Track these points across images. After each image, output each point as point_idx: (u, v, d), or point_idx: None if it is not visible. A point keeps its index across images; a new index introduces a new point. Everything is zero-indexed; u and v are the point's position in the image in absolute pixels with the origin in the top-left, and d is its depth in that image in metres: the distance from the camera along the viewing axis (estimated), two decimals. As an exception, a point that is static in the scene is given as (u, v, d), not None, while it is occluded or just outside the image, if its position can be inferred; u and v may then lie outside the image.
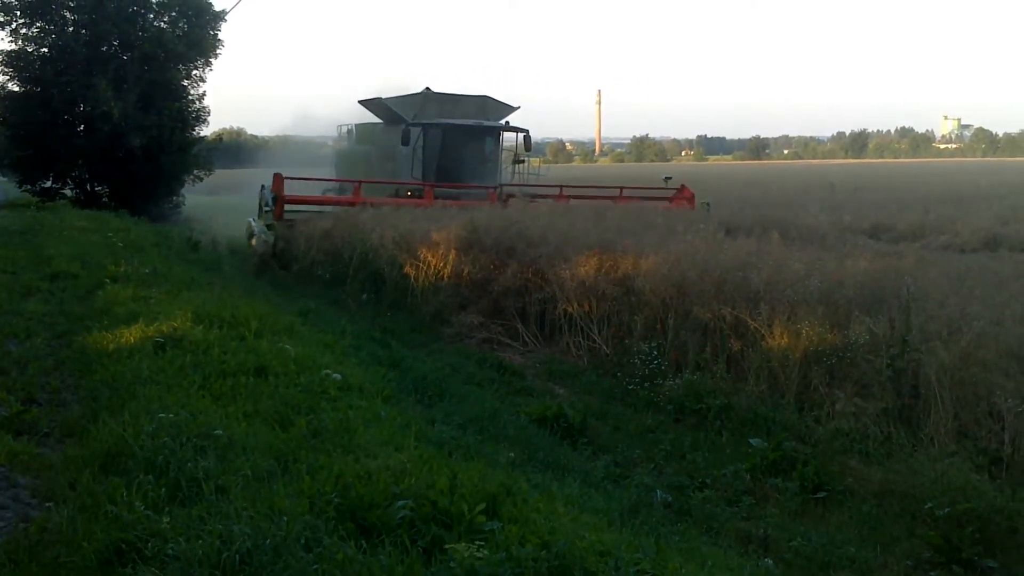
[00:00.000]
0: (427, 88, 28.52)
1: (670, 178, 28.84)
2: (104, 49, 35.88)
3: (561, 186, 25.33)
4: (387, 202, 21.37)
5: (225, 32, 37.19)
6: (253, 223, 23.44)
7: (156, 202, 36.53)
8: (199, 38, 37.02)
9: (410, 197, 23.58)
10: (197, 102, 38.48)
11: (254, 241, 22.31)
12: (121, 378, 7.67)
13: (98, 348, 8.98)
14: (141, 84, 34.93)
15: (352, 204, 21.35)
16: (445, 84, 29.44)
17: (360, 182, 23.67)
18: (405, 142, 25.68)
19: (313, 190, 26.52)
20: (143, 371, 7.69)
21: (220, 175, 44.18)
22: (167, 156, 35.84)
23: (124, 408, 6.63)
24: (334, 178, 30.04)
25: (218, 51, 38.28)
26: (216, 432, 5.94)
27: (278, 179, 22.25)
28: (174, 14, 36.95)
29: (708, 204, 24.98)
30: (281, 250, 20.97)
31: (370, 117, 31.53)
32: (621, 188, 25.63)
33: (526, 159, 28.31)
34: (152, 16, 37.07)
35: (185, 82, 37.91)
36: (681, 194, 25.56)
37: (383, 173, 27.90)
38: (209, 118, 39.70)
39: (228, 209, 35.99)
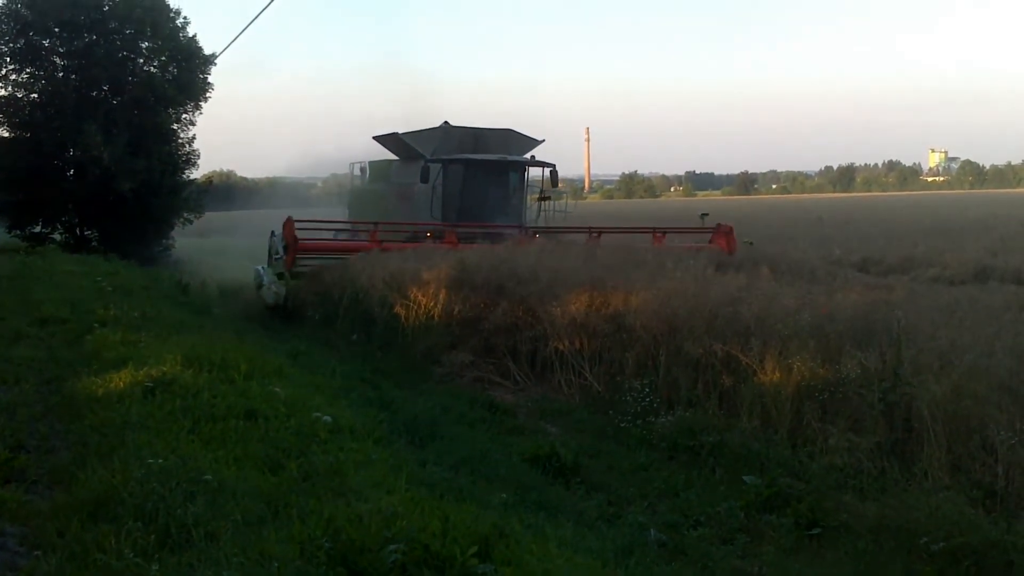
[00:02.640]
0: (445, 122, 27.11)
1: (707, 214, 26.95)
2: (94, 94, 36.12)
3: (595, 228, 23.72)
4: (405, 246, 20.11)
5: (215, 75, 37.38)
6: (262, 272, 22.09)
7: (146, 245, 36.53)
8: (189, 82, 37.23)
9: (429, 238, 22.00)
10: (187, 145, 38.81)
11: (263, 292, 21.06)
12: (110, 423, 7.61)
13: (87, 393, 8.91)
14: (131, 128, 35.07)
15: (369, 250, 19.56)
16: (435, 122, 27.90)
17: (377, 224, 21.94)
18: (424, 179, 24.06)
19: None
20: (132, 416, 7.64)
21: (210, 217, 44.28)
22: (157, 200, 35.94)
23: (113, 454, 6.58)
24: (346, 219, 28.16)
25: (208, 94, 38.55)
26: (206, 477, 5.90)
27: (289, 224, 20.38)
28: (164, 59, 37.23)
29: (751, 243, 23.36)
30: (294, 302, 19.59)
31: (384, 154, 29.91)
32: (655, 229, 24.05)
33: (552, 196, 26.57)
34: (142, 61, 37.35)
35: (175, 126, 38.16)
36: (719, 233, 23.69)
37: (400, 213, 26.00)
38: (199, 161, 39.94)
39: (218, 252, 36.02)
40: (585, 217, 29.34)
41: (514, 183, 26.07)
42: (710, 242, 23.32)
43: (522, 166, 26.09)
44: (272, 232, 21.85)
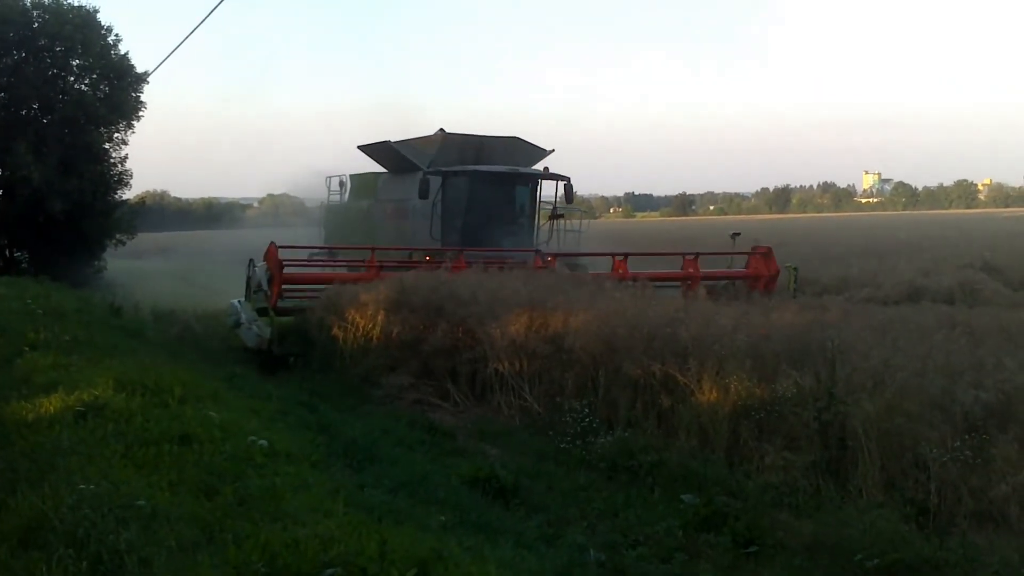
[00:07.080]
0: (441, 129, 23.70)
1: (738, 234, 22.83)
2: (23, 113, 35.51)
3: (617, 254, 19.64)
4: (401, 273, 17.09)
5: (147, 93, 36.88)
6: (239, 307, 18.85)
7: (78, 267, 35.78)
8: (121, 100, 36.73)
9: (430, 262, 19.03)
10: (119, 165, 38.25)
11: (241, 332, 18.20)
12: (41, 449, 7.45)
13: (16, 419, 8.71)
14: (62, 148, 34.50)
15: (369, 279, 17.05)
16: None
17: (375, 249, 18.98)
18: (424, 194, 21.24)
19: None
20: (63, 441, 7.48)
21: (143, 239, 43.66)
22: (89, 220, 35.39)
23: (44, 480, 6.43)
24: (322, 243, 25.09)
25: (140, 113, 38.08)
26: (139, 503, 5.79)
27: (273, 252, 17.55)
28: (95, 76, 36.68)
29: (795, 268, 21.09)
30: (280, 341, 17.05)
31: (369, 166, 26.76)
32: (685, 254, 20.19)
33: (565, 214, 23.42)
34: (73, 79, 36.77)
35: (107, 145, 37.58)
36: (757, 257, 20.51)
37: (390, 234, 23.13)
38: (131, 181, 39.39)
39: (151, 274, 35.46)
40: (596, 238, 26.20)
41: (524, 199, 23.24)
42: (746, 268, 20.54)
43: (534, 179, 23.13)
44: (251, 261, 18.78)
